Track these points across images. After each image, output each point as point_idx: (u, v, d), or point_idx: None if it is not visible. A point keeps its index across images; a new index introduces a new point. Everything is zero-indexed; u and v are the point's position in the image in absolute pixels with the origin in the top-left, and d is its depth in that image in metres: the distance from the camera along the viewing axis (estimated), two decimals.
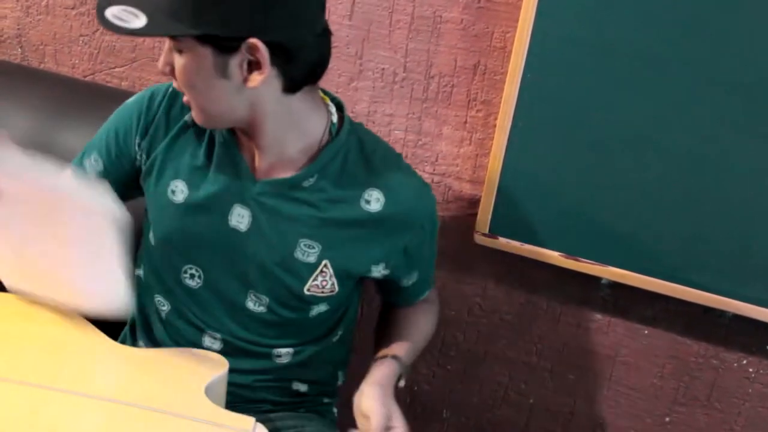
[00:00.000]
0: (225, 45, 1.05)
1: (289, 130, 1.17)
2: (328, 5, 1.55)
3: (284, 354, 1.31)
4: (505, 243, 1.57)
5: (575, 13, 1.37)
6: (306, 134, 1.18)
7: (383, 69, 1.59)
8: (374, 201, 1.21)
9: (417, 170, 1.62)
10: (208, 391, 1.09)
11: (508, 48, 1.49)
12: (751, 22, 1.29)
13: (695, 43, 1.33)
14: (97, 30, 1.77)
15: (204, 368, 1.12)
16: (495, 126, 1.53)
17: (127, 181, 1.29)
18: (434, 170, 1.63)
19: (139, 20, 1.04)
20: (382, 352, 1.29)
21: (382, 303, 1.46)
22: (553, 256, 1.54)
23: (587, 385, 1.72)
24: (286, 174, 1.19)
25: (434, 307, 1.46)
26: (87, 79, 1.83)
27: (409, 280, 1.34)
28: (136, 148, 1.27)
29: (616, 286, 1.59)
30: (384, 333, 1.37)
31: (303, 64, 1.10)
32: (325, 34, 1.13)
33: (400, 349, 1.30)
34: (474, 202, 1.62)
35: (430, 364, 1.81)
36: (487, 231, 1.57)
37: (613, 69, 1.39)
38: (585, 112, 1.43)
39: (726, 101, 1.35)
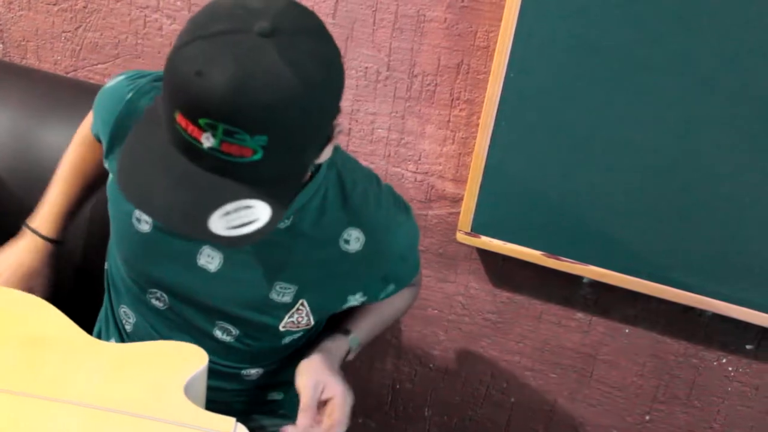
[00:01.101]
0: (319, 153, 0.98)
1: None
2: (311, 3, 1.55)
3: (254, 373, 1.28)
4: (487, 242, 1.58)
5: (558, 12, 1.38)
6: None
7: (366, 67, 1.59)
8: (354, 240, 1.14)
9: (400, 169, 1.62)
10: (188, 388, 1.08)
11: (491, 47, 1.49)
12: (737, 23, 1.30)
13: (679, 43, 1.34)
14: (80, 26, 1.76)
15: (183, 364, 1.11)
16: (478, 125, 1.53)
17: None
18: (417, 169, 1.63)
19: (258, 209, 0.91)
20: (344, 324, 1.25)
21: None
22: (535, 255, 1.55)
23: (568, 383, 1.73)
24: None
25: (408, 295, 1.37)
26: (69, 75, 1.82)
27: (387, 292, 1.26)
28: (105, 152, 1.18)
29: (597, 285, 1.60)
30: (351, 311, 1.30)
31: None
32: None
33: (354, 323, 1.25)
34: (456, 201, 1.62)
35: (412, 362, 1.82)
36: (469, 230, 1.58)
37: (596, 69, 1.39)
38: (568, 111, 1.44)
39: (709, 102, 1.36)
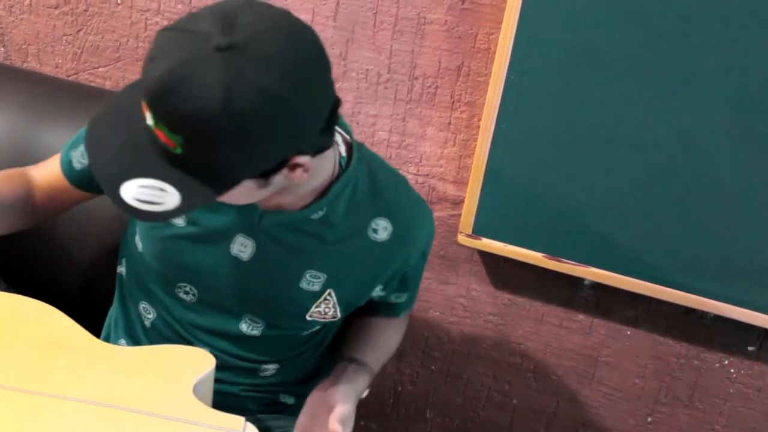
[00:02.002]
0: (267, 173, 0.98)
1: (296, 185, 1.08)
2: (311, 6, 1.56)
3: (271, 368, 1.29)
4: (488, 244, 1.58)
5: (559, 14, 1.38)
6: (319, 176, 1.10)
7: (367, 70, 1.59)
8: (381, 230, 1.17)
9: (401, 171, 1.63)
10: (196, 390, 1.08)
11: (491, 49, 1.49)
12: (736, 24, 1.30)
13: (679, 44, 1.34)
14: (81, 29, 1.76)
15: (191, 366, 1.11)
16: (479, 127, 1.53)
17: None
18: (418, 171, 1.64)
19: (170, 195, 0.94)
20: (359, 356, 1.26)
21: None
22: (536, 257, 1.55)
23: (570, 385, 1.73)
24: (294, 207, 1.13)
25: (404, 326, 1.41)
26: (70, 78, 1.82)
27: (399, 299, 1.30)
28: None
29: (598, 287, 1.60)
30: (359, 336, 1.33)
31: (332, 134, 1.04)
32: (335, 97, 1.02)
33: (374, 360, 1.27)
34: (457, 203, 1.62)
35: (414, 364, 1.82)
36: (470, 232, 1.58)
37: (596, 70, 1.39)
38: (568, 113, 1.44)
39: (710, 103, 1.36)
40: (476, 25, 1.49)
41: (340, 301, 1.21)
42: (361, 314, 1.34)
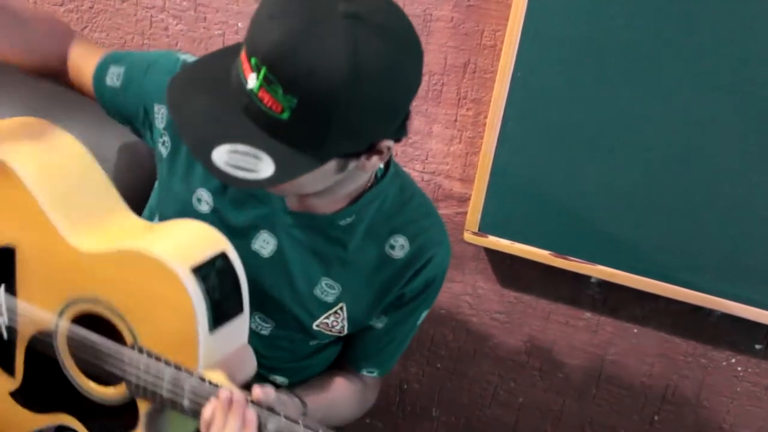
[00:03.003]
0: (352, 154, 0.97)
1: (347, 181, 1.07)
2: None
3: (279, 380, 1.28)
4: (494, 241, 1.57)
5: (565, 11, 1.37)
6: (357, 181, 1.10)
7: None
8: (399, 248, 1.15)
9: (406, 168, 1.62)
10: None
11: (498, 46, 1.49)
12: (743, 22, 1.30)
13: (686, 42, 1.33)
14: (86, 27, 1.76)
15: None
16: (485, 124, 1.53)
17: (125, 116, 1.23)
18: (424, 168, 1.63)
19: (264, 163, 0.91)
20: (308, 397, 1.18)
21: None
22: (543, 255, 1.54)
23: (577, 383, 1.72)
24: (324, 211, 1.12)
25: (367, 398, 1.32)
26: None
27: (377, 326, 1.23)
28: (160, 126, 1.18)
29: (605, 285, 1.59)
30: (317, 383, 1.26)
31: (407, 126, 1.02)
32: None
33: (317, 411, 1.19)
34: (464, 201, 1.62)
35: (420, 362, 1.82)
36: (476, 229, 1.57)
37: (603, 67, 1.39)
38: (575, 110, 1.43)
39: (716, 100, 1.35)
40: (482, 22, 1.49)
41: (350, 317, 1.19)
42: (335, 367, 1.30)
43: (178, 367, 1.02)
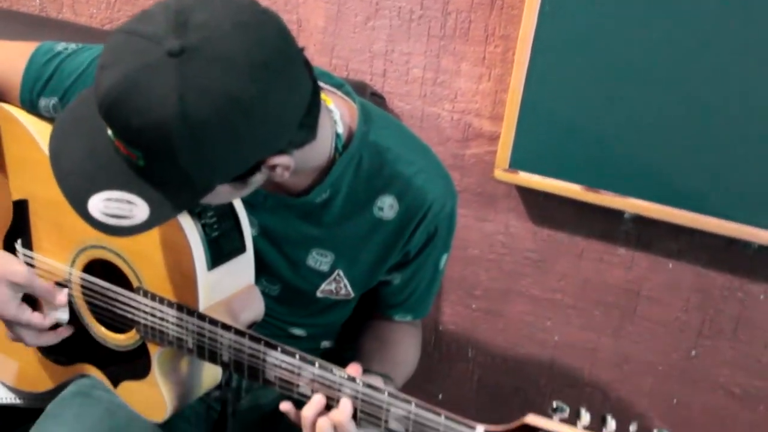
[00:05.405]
0: (244, 175, 0.93)
1: (300, 162, 1.01)
2: None
3: (299, 333, 1.29)
4: (525, 178, 1.56)
5: None
6: (315, 157, 1.06)
7: (400, 7, 1.57)
8: (387, 208, 1.12)
9: (436, 108, 1.61)
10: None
11: None
12: None
13: None
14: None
15: None
16: (513, 61, 1.51)
17: None
18: (453, 108, 1.62)
19: (139, 208, 0.89)
20: (386, 371, 1.16)
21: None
22: (575, 190, 1.53)
23: (612, 320, 1.72)
24: (298, 187, 1.10)
25: (419, 339, 1.32)
26: (105, 28, 1.83)
27: (399, 292, 1.23)
28: None
29: (638, 220, 1.58)
30: (378, 349, 1.24)
31: (315, 127, 0.98)
32: (316, 86, 0.96)
33: (397, 378, 1.19)
34: (494, 139, 1.61)
35: (455, 303, 1.82)
36: (507, 167, 1.56)
37: (632, 1, 1.36)
38: (604, 45, 1.41)
39: (751, 32, 1.33)
40: None
41: (352, 281, 1.19)
42: (371, 317, 1.30)
43: (180, 308, 1.04)
